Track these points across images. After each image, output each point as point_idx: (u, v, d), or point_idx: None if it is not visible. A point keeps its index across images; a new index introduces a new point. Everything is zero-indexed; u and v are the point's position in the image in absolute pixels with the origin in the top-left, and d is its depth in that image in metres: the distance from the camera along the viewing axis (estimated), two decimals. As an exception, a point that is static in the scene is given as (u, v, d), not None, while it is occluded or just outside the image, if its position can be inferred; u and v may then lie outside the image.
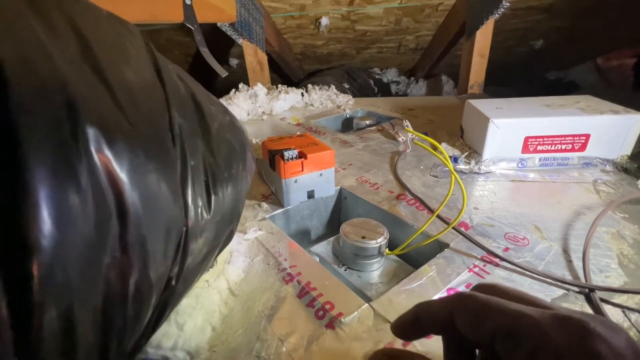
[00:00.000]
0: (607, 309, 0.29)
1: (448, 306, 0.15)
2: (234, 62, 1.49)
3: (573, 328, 0.12)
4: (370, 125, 0.81)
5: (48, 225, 0.12)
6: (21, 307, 0.11)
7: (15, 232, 0.11)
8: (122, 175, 0.15)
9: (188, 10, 0.70)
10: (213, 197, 0.23)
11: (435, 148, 0.55)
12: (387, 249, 0.39)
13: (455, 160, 0.56)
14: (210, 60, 0.80)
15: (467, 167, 0.55)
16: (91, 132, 0.13)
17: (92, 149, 0.13)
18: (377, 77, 1.66)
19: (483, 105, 0.57)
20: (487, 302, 0.14)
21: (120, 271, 0.15)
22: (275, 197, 0.49)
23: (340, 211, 0.53)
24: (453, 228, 0.38)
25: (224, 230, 0.25)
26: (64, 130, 0.13)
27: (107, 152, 0.14)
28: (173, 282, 0.19)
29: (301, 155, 0.44)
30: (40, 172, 0.11)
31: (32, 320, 0.11)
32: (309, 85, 1.02)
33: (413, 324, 0.16)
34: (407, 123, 0.65)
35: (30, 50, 0.13)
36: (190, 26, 0.73)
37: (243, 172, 0.28)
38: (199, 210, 0.21)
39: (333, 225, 0.53)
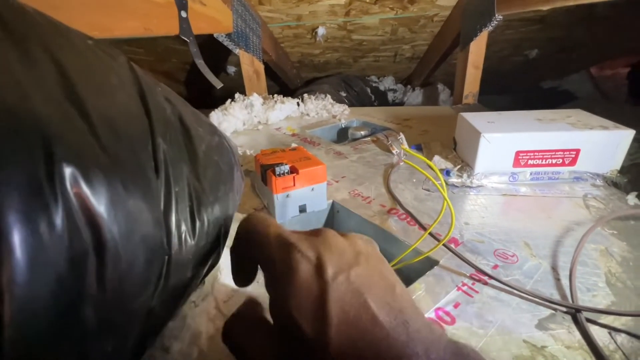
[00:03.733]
0: (594, 329, 0.29)
1: None
2: (231, 69, 1.50)
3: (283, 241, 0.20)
4: (365, 136, 0.82)
5: (21, 269, 0.12)
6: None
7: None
8: (101, 210, 0.15)
9: (184, 22, 0.71)
10: (197, 222, 0.23)
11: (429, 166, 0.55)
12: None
13: (447, 173, 0.57)
14: (205, 72, 0.81)
15: (459, 180, 0.55)
16: (67, 170, 0.14)
17: (68, 187, 0.14)
18: (374, 85, 1.67)
19: (475, 119, 0.58)
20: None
21: (97, 308, 0.15)
22: (267, 211, 0.49)
23: (332, 225, 0.53)
24: (443, 245, 0.38)
25: (210, 254, 0.25)
26: (39, 171, 0.13)
27: (85, 188, 0.14)
28: (156, 311, 0.19)
29: (293, 171, 0.44)
30: (13, 218, 0.12)
31: (2, 364, 0.11)
32: (305, 95, 1.03)
33: None
34: (401, 136, 0.65)
35: (4, 89, 0.13)
36: (186, 39, 0.73)
37: (230, 193, 0.28)
38: (183, 236, 0.21)
39: (325, 238, 0.53)
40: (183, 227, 0.21)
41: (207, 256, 0.25)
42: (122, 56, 0.22)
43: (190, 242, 0.22)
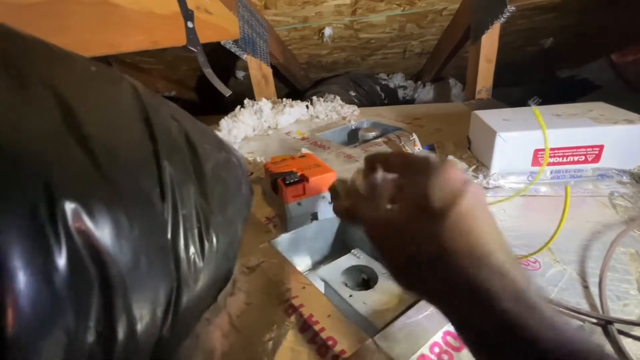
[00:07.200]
0: (626, 342, 0.27)
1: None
2: (240, 74, 1.51)
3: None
4: (376, 137, 0.80)
5: (25, 316, 0.11)
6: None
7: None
8: (105, 245, 0.15)
9: (190, 33, 0.71)
10: (206, 244, 0.22)
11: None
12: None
13: (462, 174, 0.55)
14: (214, 80, 0.81)
15: (475, 181, 0.53)
16: (69, 208, 0.13)
17: (70, 224, 0.13)
18: (383, 82, 1.65)
19: (490, 116, 0.56)
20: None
21: (105, 344, 0.14)
22: (278, 220, 0.48)
23: (345, 231, 0.52)
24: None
25: (220, 273, 0.25)
26: (40, 212, 0.12)
27: (88, 223, 0.14)
28: (166, 337, 0.19)
29: (303, 179, 0.44)
30: (16, 264, 0.11)
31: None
32: (314, 97, 1.02)
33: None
34: (414, 137, 0.64)
35: (5, 133, 0.13)
36: (193, 49, 0.74)
37: (239, 209, 0.28)
38: (192, 259, 0.21)
39: (339, 245, 0.52)
40: (192, 250, 0.21)
41: (218, 275, 0.25)
42: (125, 81, 0.22)
43: (200, 264, 0.22)
